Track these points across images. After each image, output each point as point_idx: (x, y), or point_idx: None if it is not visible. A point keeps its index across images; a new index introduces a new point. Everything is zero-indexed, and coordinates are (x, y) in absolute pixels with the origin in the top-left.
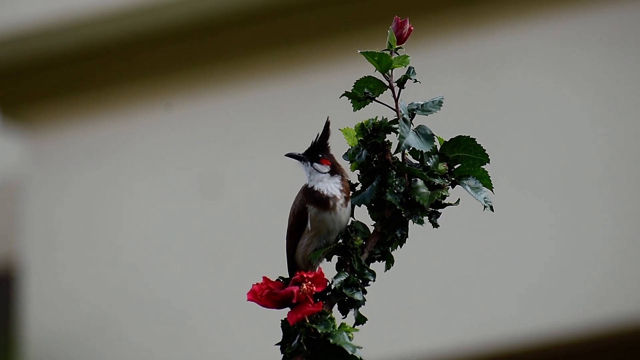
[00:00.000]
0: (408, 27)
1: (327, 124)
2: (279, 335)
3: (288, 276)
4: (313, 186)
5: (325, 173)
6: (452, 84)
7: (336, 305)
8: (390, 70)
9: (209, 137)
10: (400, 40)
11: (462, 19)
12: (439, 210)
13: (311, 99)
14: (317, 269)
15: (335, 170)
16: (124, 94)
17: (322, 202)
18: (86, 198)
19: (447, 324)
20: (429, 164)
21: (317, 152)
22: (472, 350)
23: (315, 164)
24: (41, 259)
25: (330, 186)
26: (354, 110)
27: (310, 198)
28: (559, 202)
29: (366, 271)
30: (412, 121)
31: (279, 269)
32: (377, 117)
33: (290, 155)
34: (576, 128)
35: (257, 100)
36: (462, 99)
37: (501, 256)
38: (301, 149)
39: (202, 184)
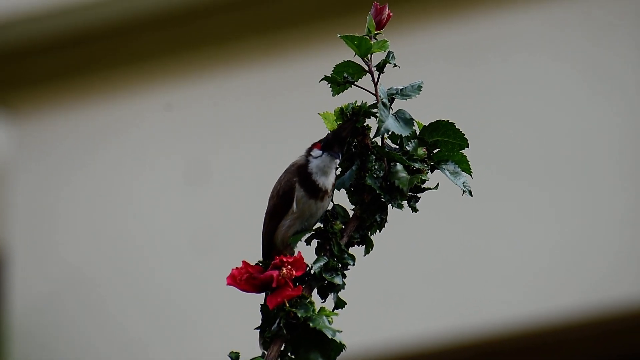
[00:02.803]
0: (387, 12)
1: (353, 121)
2: (259, 320)
3: (262, 259)
4: (312, 173)
5: (319, 157)
6: (437, 70)
7: (316, 290)
8: (369, 55)
9: (194, 124)
10: (379, 25)
11: (446, 4)
12: (418, 195)
13: (297, 85)
14: (295, 253)
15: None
16: (110, 80)
17: (314, 191)
18: (72, 184)
19: (431, 309)
20: (408, 148)
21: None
22: (455, 336)
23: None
24: (28, 244)
25: (329, 180)
26: (333, 95)
27: (302, 182)
28: (548, 187)
29: (345, 255)
30: (392, 105)
31: (259, 254)
32: (356, 101)
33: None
34: (565, 111)
35: (242, 86)
36: (447, 86)
37: (487, 242)
38: (288, 135)
39: (187, 170)
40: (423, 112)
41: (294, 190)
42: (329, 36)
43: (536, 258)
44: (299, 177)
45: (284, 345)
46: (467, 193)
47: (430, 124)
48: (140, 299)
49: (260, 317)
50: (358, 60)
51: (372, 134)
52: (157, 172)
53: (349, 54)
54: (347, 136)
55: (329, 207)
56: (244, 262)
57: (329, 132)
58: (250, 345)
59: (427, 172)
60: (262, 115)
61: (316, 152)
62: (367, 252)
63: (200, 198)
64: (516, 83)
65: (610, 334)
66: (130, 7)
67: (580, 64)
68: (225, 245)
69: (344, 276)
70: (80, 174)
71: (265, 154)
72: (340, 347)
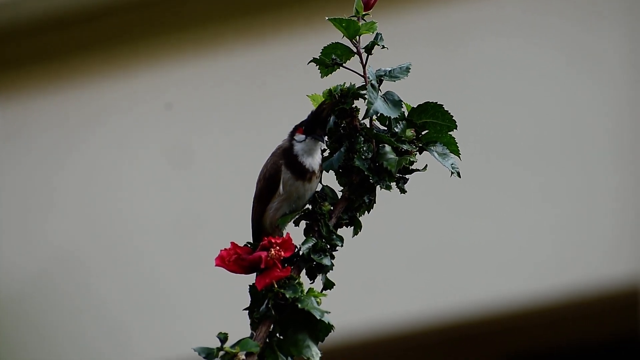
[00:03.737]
0: None
1: (331, 102)
2: (247, 301)
3: (252, 241)
4: (298, 155)
5: (303, 141)
6: (421, 52)
7: (304, 271)
8: (357, 37)
9: (177, 107)
10: (367, 6)
11: None
12: (407, 176)
13: (280, 69)
14: (284, 234)
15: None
16: (93, 65)
17: (301, 172)
18: (57, 169)
19: (418, 290)
20: (396, 130)
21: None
22: (443, 317)
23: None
24: (14, 226)
25: (315, 161)
26: (322, 77)
27: (288, 164)
28: (535, 169)
29: (334, 237)
30: (380, 87)
31: (248, 238)
32: (344, 83)
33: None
34: (552, 94)
35: (226, 70)
36: (430, 68)
37: (474, 225)
38: (268, 117)
39: (171, 153)
40: (406, 95)
41: (280, 173)
42: (313, 19)
43: (525, 241)
44: (285, 159)
45: (272, 326)
46: (455, 175)
47: (419, 105)
48: (126, 282)
49: (248, 298)
50: (346, 42)
51: (360, 116)
52: (141, 156)
53: (334, 37)
54: (328, 117)
55: (318, 189)
56: (232, 243)
57: (309, 114)
58: (237, 326)
59: (416, 154)
60: (246, 99)
61: (299, 136)
62: (355, 233)
63: (185, 182)
64: (500, 66)
65: (602, 315)
66: None
67: (564, 46)
68: (210, 229)
69: (333, 257)
70: (65, 159)
71: (249, 138)
72: (329, 327)
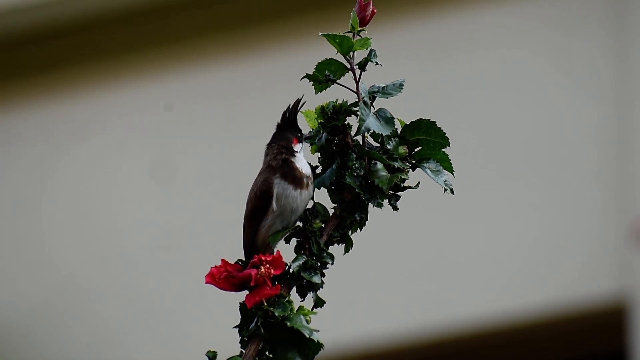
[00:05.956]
0: (371, 9)
1: (298, 102)
2: (236, 316)
3: (244, 259)
4: (294, 163)
5: (301, 150)
6: (407, 65)
7: (295, 288)
8: (351, 53)
9: (162, 121)
10: (363, 22)
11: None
12: (399, 194)
13: (265, 84)
14: (275, 252)
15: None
16: (75, 78)
17: (295, 179)
18: (40, 183)
19: (406, 306)
20: (389, 147)
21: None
22: (434, 334)
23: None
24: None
25: (306, 165)
26: (316, 93)
27: (282, 173)
28: (525, 182)
29: (325, 254)
30: (373, 104)
31: (234, 252)
32: (337, 99)
33: (305, 138)
34: (540, 105)
35: (210, 84)
36: (418, 80)
37: (472, 238)
38: (255, 132)
39: (154, 168)
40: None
41: (272, 189)
42: (299, 33)
43: (513, 254)
44: (281, 171)
45: (261, 344)
46: (448, 191)
47: (412, 122)
48: (115, 295)
49: (236, 314)
50: (340, 57)
51: (352, 133)
52: (127, 170)
53: (322, 50)
54: (294, 113)
55: (309, 205)
56: (222, 260)
57: (278, 123)
58: (226, 343)
59: (408, 171)
60: (231, 114)
61: (297, 146)
62: (346, 250)
63: (168, 196)
64: (488, 77)
65: (585, 330)
66: (99, 3)
67: (552, 57)
68: (195, 244)
69: (323, 275)
70: (50, 172)
71: (232, 153)
72: (318, 346)
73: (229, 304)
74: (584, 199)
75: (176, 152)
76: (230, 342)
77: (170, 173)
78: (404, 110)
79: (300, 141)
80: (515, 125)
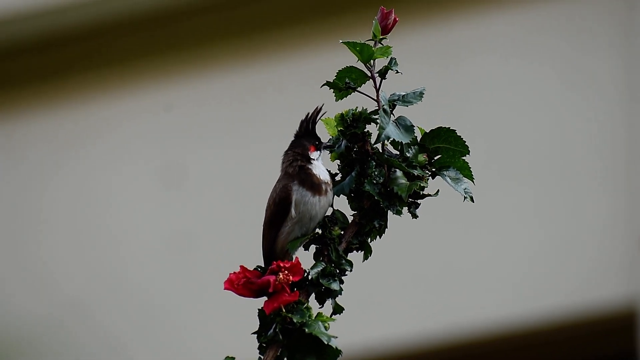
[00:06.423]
0: (393, 17)
1: (318, 111)
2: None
3: (263, 266)
4: (312, 170)
5: (319, 157)
6: (416, 70)
7: (313, 295)
8: (372, 61)
9: (172, 127)
10: (385, 30)
11: (429, 6)
12: (418, 201)
13: (275, 88)
14: (293, 259)
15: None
16: (86, 84)
17: (313, 185)
18: (48, 187)
19: (414, 311)
20: (408, 155)
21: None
22: (450, 338)
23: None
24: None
25: (324, 172)
26: (336, 100)
27: (300, 180)
28: (531, 188)
29: (343, 261)
30: (393, 112)
31: (242, 256)
32: (356, 107)
33: (325, 146)
34: (545, 114)
35: (220, 89)
36: (426, 85)
37: (480, 244)
38: (262, 137)
39: (164, 173)
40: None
41: (291, 196)
42: (307, 39)
43: (523, 260)
44: (299, 178)
45: (280, 350)
46: (468, 199)
47: (432, 130)
48: (121, 302)
49: (248, 322)
50: (361, 65)
51: (372, 140)
52: (134, 175)
53: (328, 57)
54: (313, 122)
55: (329, 212)
56: (241, 266)
57: (296, 131)
58: (242, 350)
59: (428, 179)
60: (240, 118)
61: (314, 154)
62: (365, 257)
63: (175, 202)
64: (494, 84)
65: (594, 335)
66: (106, 10)
67: (558, 64)
68: (202, 251)
69: (342, 282)
70: (56, 177)
71: (242, 157)
72: (337, 352)
73: (237, 314)
74: (593, 205)
75: (182, 158)
76: (241, 350)
77: (177, 179)
78: (410, 113)
79: (318, 149)
80: (523, 132)
